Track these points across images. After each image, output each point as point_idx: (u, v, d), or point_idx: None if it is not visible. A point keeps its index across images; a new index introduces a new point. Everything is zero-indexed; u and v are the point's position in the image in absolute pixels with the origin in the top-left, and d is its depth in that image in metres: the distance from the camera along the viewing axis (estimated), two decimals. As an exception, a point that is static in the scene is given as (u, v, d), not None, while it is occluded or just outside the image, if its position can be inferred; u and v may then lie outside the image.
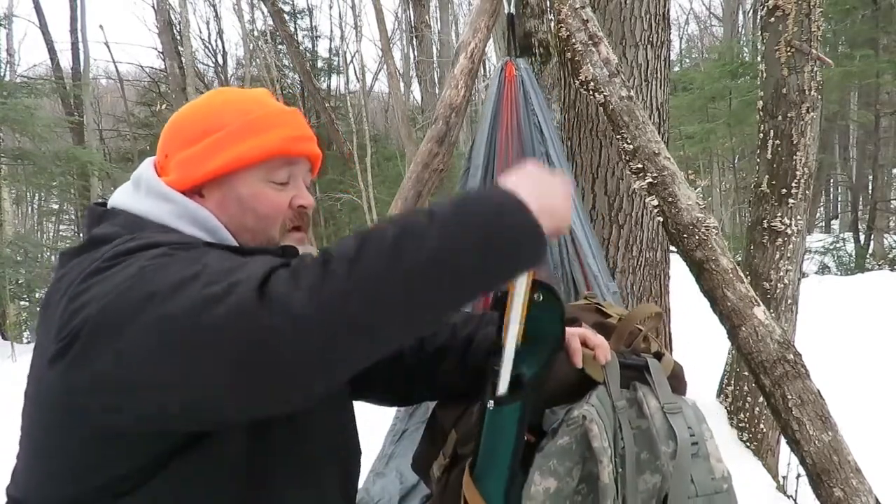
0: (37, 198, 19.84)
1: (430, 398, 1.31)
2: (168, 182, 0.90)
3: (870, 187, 13.87)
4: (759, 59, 3.33)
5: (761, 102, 3.21)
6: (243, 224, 0.91)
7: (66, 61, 16.78)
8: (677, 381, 1.18)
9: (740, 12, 19.22)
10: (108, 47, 26.71)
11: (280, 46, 17.95)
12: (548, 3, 2.29)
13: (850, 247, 11.39)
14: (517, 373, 0.97)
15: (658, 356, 1.19)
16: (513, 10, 2.18)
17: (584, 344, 1.10)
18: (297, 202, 0.94)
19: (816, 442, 1.59)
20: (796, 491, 3.09)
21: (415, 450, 1.30)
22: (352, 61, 20.03)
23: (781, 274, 3.20)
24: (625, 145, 1.81)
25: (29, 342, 9.92)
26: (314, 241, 1.01)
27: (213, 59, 21.90)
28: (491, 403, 0.98)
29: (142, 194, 0.89)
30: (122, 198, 0.91)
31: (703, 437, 1.07)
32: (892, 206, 12.54)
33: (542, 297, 0.94)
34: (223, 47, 21.86)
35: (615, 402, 1.08)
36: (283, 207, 0.92)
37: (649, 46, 2.73)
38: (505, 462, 1.00)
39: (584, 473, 1.07)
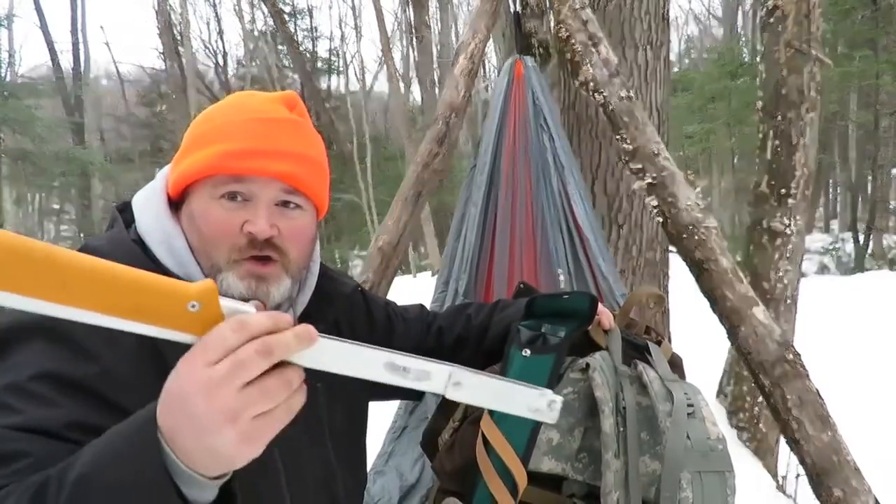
0: (37, 198, 19.85)
1: None
2: (169, 187, 0.89)
3: (869, 187, 13.87)
4: (758, 59, 3.33)
5: (761, 103, 3.21)
6: (194, 244, 0.84)
7: (66, 62, 16.83)
8: (676, 369, 1.21)
9: (740, 13, 19.23)
10: (108, 48, 26.71)
11: (280, 47, 17.96)
12: (548, 3, 2.29)
13: (850, 247, 11.40)
14: (542, 335, 1.09)
15: (658, 343, 1.25)
16: (518, 9, 2.19)
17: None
18: (246, 227, 0.82)
19: (816, 442, 1.59)
20: (796, 491, 3.09)
21: (424, 428, 1.35)
22: (352, 62, 20.05)
23: (781, 274, 3.21)
24: (624, 146, 1.82)
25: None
26: (291, 270, 0.88)
27: (214, 60, 21.92)
28: (527, 351, 1.08)
29: (151, 207, 0.88)
30: (139, 200, 0.90)
31: (699, 404, 1.10)
32: (891, 206, 12.54)
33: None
34: (223, 48, 21.90)
35: (617, 366, 1.12)
36: (229, 230, 0.82)
37: (649, 47, 2.73)
38: None
39: (586, 443, 1.11)
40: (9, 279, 0.46)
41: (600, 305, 1.19)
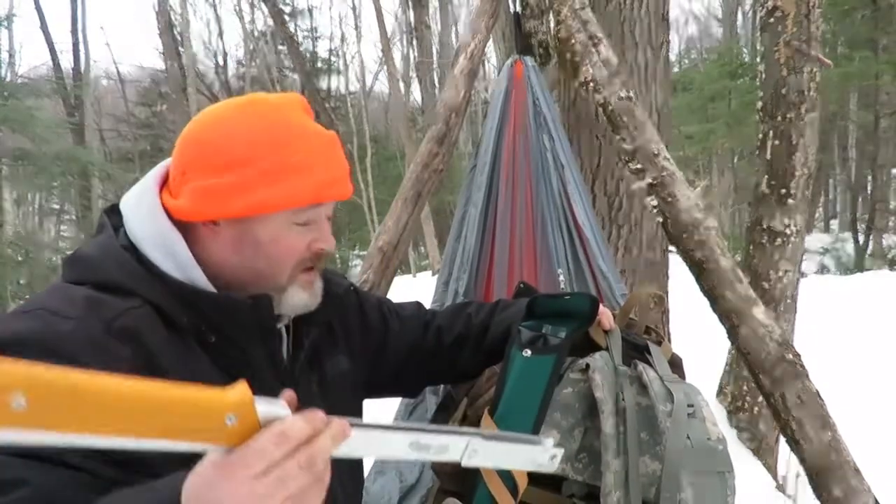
0: (37, 198, 19.85)
1: (450, 381, 1.38)
2: (176, 207, 0.83)
3: (869, 187, 13.88)
4: (758, 59, 3.34)
5: (761, 103, 3.21)
6: (253, 268, 0.85)
7: (66, 62, 16.81)
8: (676, 369, 1.21)
9: (739, 13, 19.23)
10: (108, 48, 26.71)
11: (280, 47, 17.96)
12: (547, 3, 2.29)
13: (850, 247, 11.41)
14: (542, 335, 1.10)
15: (658, 343, 1.26)
16: (519, 9, 2.18)
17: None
18: (316, 246, 0.88)
19: (816, 442, 1.59)
20: (796, 491, 3.09)
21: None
22: (352, 62, 20.05)
23: (781, 274, 3.21)
24: (624, 146, 1.82)
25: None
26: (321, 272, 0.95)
27: (214, 60, 21.92)
28: (528, 352, 1.09)
29: (143, 210, 0.85)
30: (129, 203, 0.87)
31: (699, 405, 1.10)
32: (891, 206, 12.54)
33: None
34: (224, 48, 21.90)
35: (617, 366, 1.11)
36: (300, 251, 0.86)
37: (649, 47, 2.73)
38: (533, 409, 1.08)
39: (586, 443, 1.12)
40: (43, 418, 0.44)
41: (601, 306, 1.20)
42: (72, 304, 0.74)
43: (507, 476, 1.07)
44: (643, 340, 1.24)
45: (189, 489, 0.55)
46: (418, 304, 1.29)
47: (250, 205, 0.81)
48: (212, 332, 0.82)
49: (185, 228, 0.84)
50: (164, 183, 0.88)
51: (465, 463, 0.64)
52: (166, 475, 0.58)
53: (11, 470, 0.63)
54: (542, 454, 0.68)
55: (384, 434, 0.60)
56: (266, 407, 0.54)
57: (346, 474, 0.99)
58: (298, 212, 0.85)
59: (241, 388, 0.52)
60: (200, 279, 0.83)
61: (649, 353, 1.20)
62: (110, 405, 0.47)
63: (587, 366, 1.11)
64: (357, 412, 1.09)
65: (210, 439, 0.51)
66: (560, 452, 0.69)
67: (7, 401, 0.41)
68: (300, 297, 0.88)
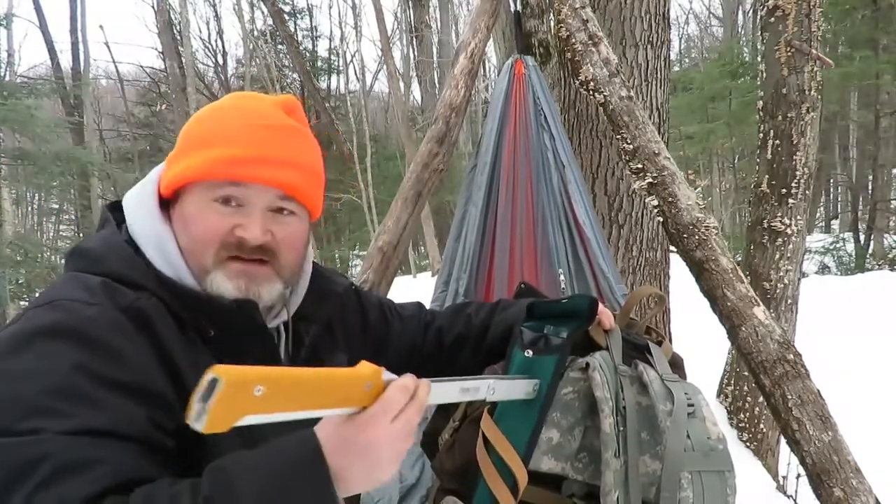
0: (37, 198, 19.86)
1: None
2: (162, 186, 0.89)
3: (870, 187, 13.87)
4: (758, 59, 3.33)
5: (761, 102, 3.21)
6: (184, 245, 0.85)
7: (66, 61, 16.81)
8: (676, 369, 1.21)
9: (740, 12, 19.23)
10: (108, 47, 26.71)
11: (280, 46, 17.96)
12: (548, 3, 2.29)
13: (850, 247, 11.39)
14: (544, 335, 1.13)
15: (658, 343, 1.25)
16: (519, 8, 2.18)
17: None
18: (238, 232, 0.84)
19: (816, 442, 1.59)
20: (796, 491, 3.09)
21: (425, 428, 1.36)
22: (352, 61, 20.04)
23: (781, 274, 3.20)
24: (625, 145, 1.82)
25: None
26: (283, 274, 0.90)
27: (213, 59, 21.91)
28: (530, 352, 1.10)
29: (143, 210, 0.88)
30: (130, 202, 0.90)
31: (699, 404, 1.09)
32: (892, 206, 12.54)
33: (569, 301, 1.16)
34: (223, 47, 21.87)
35: (617, 366, 1.11)
36: (218, 232, 0.83)
37: (649, 46, 2.73)
38: (535, 409, 1.08)
39: (586, 442, 1.11)
40: (274, 403, 0.62)
41: (600, 305, 1.20)
42: (90, 291, 0.77)
43: (506, 474, 1.07)
44: (644, 340, 1.23)
45: (331, 441, 0.68)
46: (419, 305, 1.30)
47: (173, 173, 0.86)
48: (210, 326, 0.84)
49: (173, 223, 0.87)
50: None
51: (489, 398, 0.96)
52: (212, 443, 0.67)
53: (82, 450, 0.67)
54: (528, 386, 1.06)
55: (445, 385, 0.85)
56: (386, 374, 0.73)
57: None
58: (214, 186, 0.83)
59: (368, 364, 0.71)
60: (188, 278, 0.84)
61: (650, 353, 1.20)
62: (308, 388, 0.65)
63: (587, 365, 1.11)
64: None
65: (355, 403, 0.70)
66: (536, 383, 1.07)
67: (252, 390, 0.59)
68: (224, 286, 0.84)
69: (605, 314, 1.21)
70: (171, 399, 0.76)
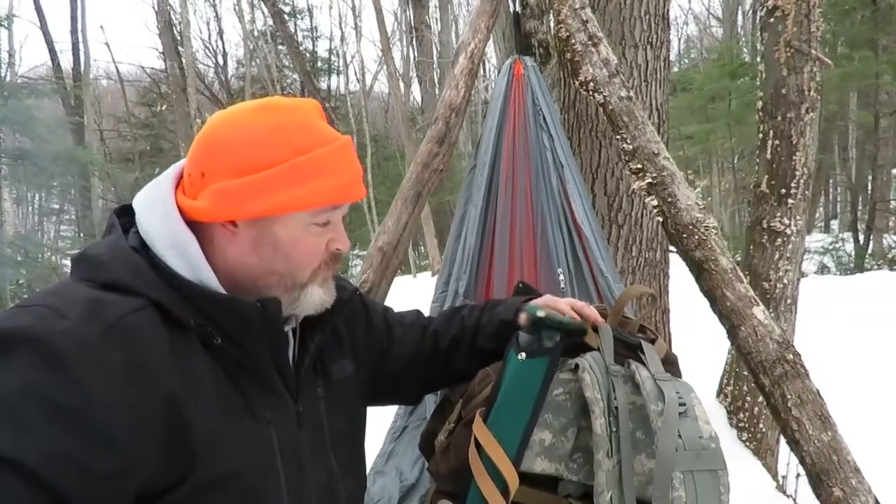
0: (37, 198, 19.85)
1: (446, 385, 1.39)
2: (194, 208, 0.83)
3: (869, 187, 13.87)
4: (758, 59, 3.33)
5: (761, 103, 3.21)
6: (272, 268, 0.87)
7: (66, 62, 16.83)
8: (671, 366, 1.21)
9: (739, 13, 19.23)
10: (108, 48, 26.71)
11: (280, 47, 17.96)
12: (547, 3, 2.29)
13: (850, 247, 11.39)
14: (538, 340, 1.13)
15: (651, 341, 1.25)
16: (519, 8, 2.18)
17: (579, 314, 1.22)
18: (333, 245, 0.91)
19: (816, 442, 1.59)
20: (796, 491, 3.09)
21: (423, 429, 1.37)
22: (351, 61, 20.04)
23: (781, 274, 3.20)
24: (624, 145, 1.82)
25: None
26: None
27: (214, 60, 21.93)
28: (522, 355, 1.12)
29: (156, 209, 0.85)
30: (141, 203, 0.87)
31: (691, 403, 1.10)
32: (891, 206, 12.54)
33: (544, 315, 1.13)
34: (223, 48, 21.89)
35: (609, 366, 1.12)
36: (319, 252, 0.89)
37: (649, 47, 2.73)
38: (526, 411, 1.10)
39: (580, 443, 1.12)
40: None
41: (590, 309, 1.23)
42: (72, 304, 0.73)
43: (497, 477, 1.08)
44: (636, 339, 1.23)
45: None
46: (418, 312, 1.33)
47: (271, 206, 0.83)
48: (218, 334, 0.81)
49: (198, 229, 0.84)
50: (178, 184, 0.88)
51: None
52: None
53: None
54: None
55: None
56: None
57: (349, 474, 0.99)
58: (317, 213, 0.87)
59: None
60: (212, 280, 0.83)
61: (642, 352, 1.20)
62: None
63: (576, 366, 1.12)
64: (361, 416, 1.10)
65: None
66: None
67: None
68: (318, 295, 0.91)
69: (587, 308, 1.23)
70: (132, 435, 0.70)
